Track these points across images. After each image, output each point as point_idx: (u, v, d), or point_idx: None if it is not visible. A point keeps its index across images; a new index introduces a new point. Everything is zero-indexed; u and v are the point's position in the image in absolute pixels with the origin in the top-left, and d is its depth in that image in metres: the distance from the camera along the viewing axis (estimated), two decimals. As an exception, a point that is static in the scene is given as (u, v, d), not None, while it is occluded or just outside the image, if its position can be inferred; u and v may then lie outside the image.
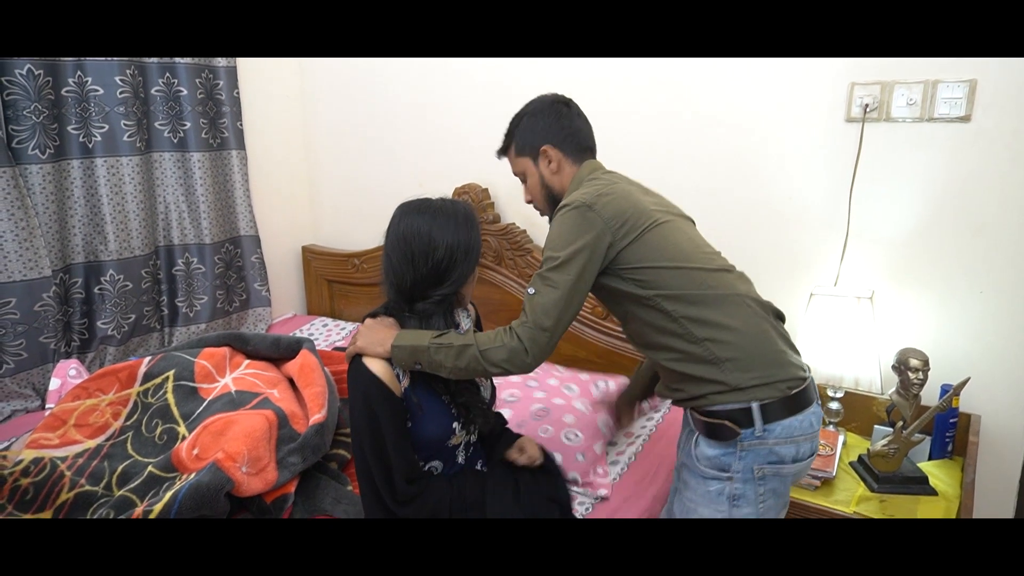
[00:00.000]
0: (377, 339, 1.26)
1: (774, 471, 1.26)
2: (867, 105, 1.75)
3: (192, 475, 1.41)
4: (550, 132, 1.42)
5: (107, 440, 1.60)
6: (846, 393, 1.85)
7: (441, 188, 2.59)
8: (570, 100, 1.48)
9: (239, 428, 1.49)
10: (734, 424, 1.23)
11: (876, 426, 1.81)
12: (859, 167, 1.79)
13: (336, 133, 2.91)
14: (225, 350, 1.81)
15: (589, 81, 2.16)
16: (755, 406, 1.23)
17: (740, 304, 1.28)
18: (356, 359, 1.27)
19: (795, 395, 1.25)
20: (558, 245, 1.26)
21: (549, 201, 1.46)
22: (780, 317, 1.37)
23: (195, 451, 1.47)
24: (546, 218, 1.50)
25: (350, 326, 2.86)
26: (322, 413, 1.62)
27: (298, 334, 2.83)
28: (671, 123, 2.06)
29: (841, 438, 1.81)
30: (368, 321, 1.32)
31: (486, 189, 2.48)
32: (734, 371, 1.23)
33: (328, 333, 2.83)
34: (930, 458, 1.75)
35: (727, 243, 1.98)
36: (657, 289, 1.26)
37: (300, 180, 3.05)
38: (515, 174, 1.50)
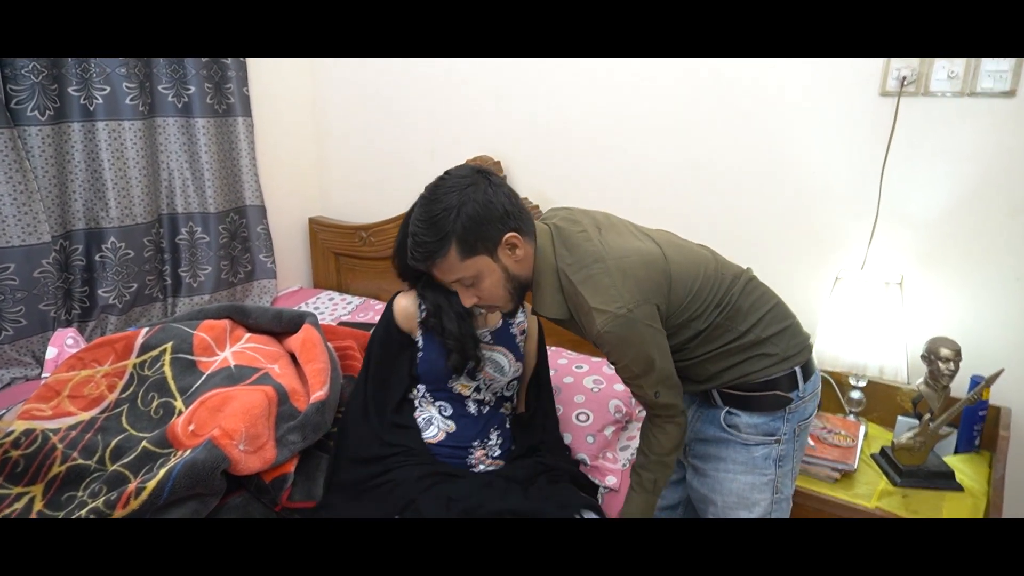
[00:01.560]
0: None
1: (804, 426, 1.33)
2: (904, 78, 1.65)
3: (187, 452, 1.36)
4: (505, 215, 1.17)
5: (101, 413, 1.55)
6: (868, 382, 1.77)
7: (453, 159, 2.52)
8: (484, 167, 1.24)
9: (237, 404, 1.44)
10: (783, 392, 1.27)
11: (900, 417, 1.74)
12: (892, 144, 1.69)
13: (346, 101, 2.82)
14: (225, 323, 1.75)
15: (610, 66, 2.06)
16: (798, 370, 1.27)
17: (751, 282, 1.31)
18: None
19: (811, 357, 1.33)
20: (645, 357, 1.19)
21: (517, 292, 1.26)
22: None
23: (191, 427, 1.42)
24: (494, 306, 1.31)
25: (357, 300, 2.80)
26: (324, 390, 1.56)
27: (304, 307, 2.78)
28: (690, 97, 1.96)
29: (863, 428, 1.74)
30: None
31: (498, 162, 2.39)
32: (780, 342, 1.27)
33: (334, 307, 2.77)
34: (956, 452, 1.68)
35: (748, 222, 1.93)
36: (707, 315, 1.25)
37: (308, 149, 2.97)
38: (452, 283, 1.23)
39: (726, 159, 1.94)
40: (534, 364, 1.72)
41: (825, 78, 1.76)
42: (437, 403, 1.60)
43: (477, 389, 1.59)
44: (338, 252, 2.95)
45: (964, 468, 1.61)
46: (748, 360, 1.26)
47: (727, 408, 1.31)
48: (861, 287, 1.69)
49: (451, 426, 1.59)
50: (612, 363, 1.23)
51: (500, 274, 1.21)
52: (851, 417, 1.79)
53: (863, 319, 1.68)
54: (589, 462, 1.74)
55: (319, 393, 1.55)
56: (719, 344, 1.26)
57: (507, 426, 1.65)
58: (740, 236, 1.90)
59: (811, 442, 1.65)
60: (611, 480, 1.70)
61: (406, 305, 1.59)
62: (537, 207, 2.32)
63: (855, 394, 1.78)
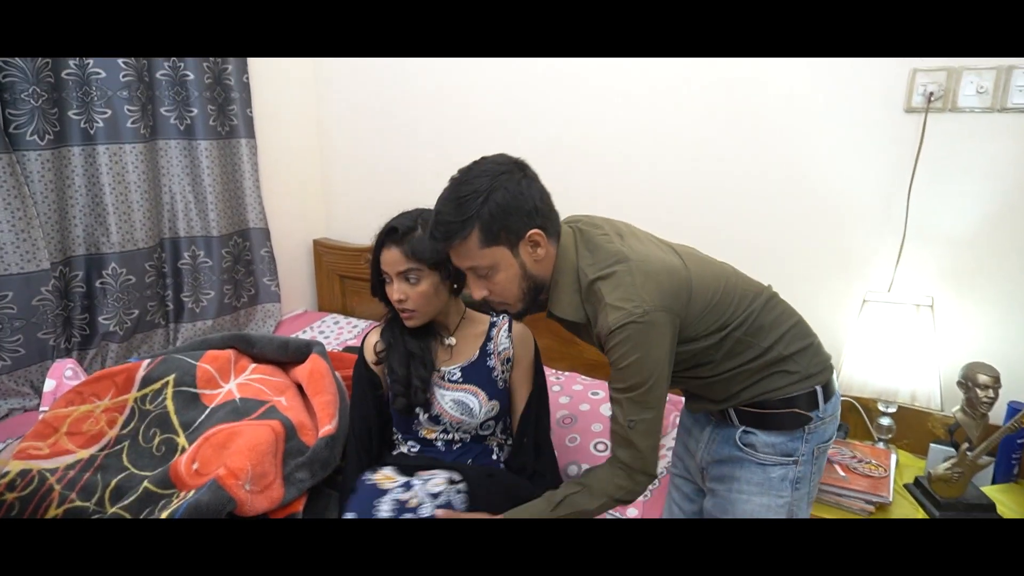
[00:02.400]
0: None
1: (823, 449, 1.28)
2: (931, 94, 1.60)
3: (191, 493, 1.29)
4: (534, 210, 1.14)
5: (101, 450, 1.49)
6: (898, 408, 1.70)
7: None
8: (522, 160, 1.20)
9: (243, 441, 1.37)
10: (802, 410, 1.23)
11: (932, 444, 1.66)
12: (920, 162, 1.64)
13: (351, 121, 2.77)
14: (230, 353, 1.69)
15: (622, 70, 2.01)
16: (819, 388, 1.24)
17: (772, 299, 1.27)
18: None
19: (832, 377, 1.28)
20: (647, 370, 1.12)
21: (531, 295, 1.21)
22: None
23: (195, 465, 1.36)
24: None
25: (362, 324, 2.74)
26: (332, 424, 1.50)
27: (309, 331, 2.72)
28: (711, 114, 1.91)
29: (894, 457, 1.66)
30: None
31: (508, 182, 2.34)
32: (802, 360, 1.23)
33: (339, 331, 2.71)
34: (993, 482, 1.61)
35: (771, 242, 1.86)
36: (723, 327, 1.19)
37: (312, 171, 2.93)
38: (467, 269, 1.19)
39: (748, 177, 1.88)
40: (526, 395, 1.54)
41: (849, 95, 1.71)
42: (408, 443, 1.53)
43: (445, 431, 1.50)
44: (343, 275, 2.89)
45: (1003, 499, 1.54)
46: (769, 377, 1.23)
47: (743, 427, 1.26)
48: (890, 310, 1.63)
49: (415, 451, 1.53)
50: (611, 364, 1.16)
51: (517, 270, 1.17)
52: (880, 445, 1.72)
53: (893, 343, 1.62)
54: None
55: (328, 427, 1.49)
56: (742, 360, 1.22)
57: (493, 457, 1.53)
58: (763, 256, 1.84)
59: (841, 472, 1.58)
60: (632, 512, 1.63)
61: (371, 342, 1.54)
62: (548, 228, 2.27)
63: (885, 420, 1.71)
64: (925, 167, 1.63)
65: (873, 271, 1.74)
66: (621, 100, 2.03)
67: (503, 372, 1.53)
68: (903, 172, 1.66)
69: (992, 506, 1.49)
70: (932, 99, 1.60)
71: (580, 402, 1.93)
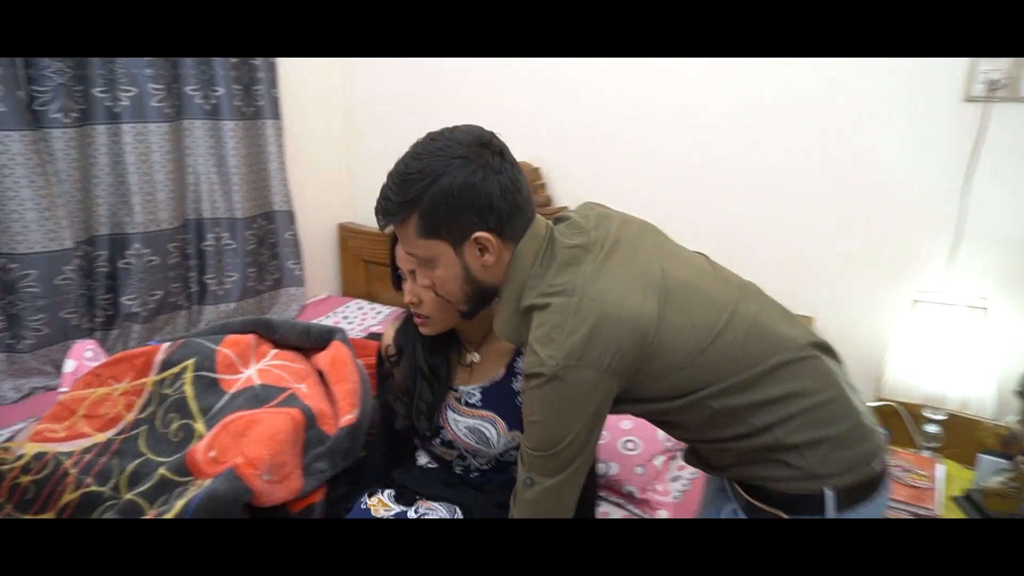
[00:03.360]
0: None
1: None
2: (994, 82, 1.50)
3: (207, 481, 1.25)
4: (487, 209, 0.96)
5: (118, 434, 1.46)
6: (948, 415, 1.61)
7: (489, 166, 2.42)
8: (502, 144, 1.01)
9: (261, 429, 1.33)
10: (802, 515, 0.98)
11: (981, 455, 1.57)
12: (979, 155, 1.54)
13: (378, 103, 2.72)
14: (250, 337, 1.65)
15: (662, 62, 1.92)
16: (829, 493, 0.96)
17: (797, 367, 0.98)
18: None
19: (876, 474, 1.00)
20: (554, 434, 0.94)
21: (475, 298, 1.06)
22: (835, 355, 1.07)
23: (212, 453, 1.32)
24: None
25: (386, 310, 2.70)
26: (354, 413, 1.45)
27: (333, 316, 2.68)
28: (751, 103, 1.82)
29: (940, 467, 1.58)
30: None
31: (537, 169, 2.27)
32: (810, 455, 0.96)
33: (363, 317, 2.67)
34: (1049, 496, 1.51)
35: (813, 238, 1.75)
36: (695, 391, 0.96)
37: (338, 153, 2.88)
38: (408, 254, 1.05)
39: (789, 170, 1.79)
40: None
41: (901, 82, 1.61)
42: (426, 457, 1.40)
43: (461, 457, 1.33)
44: (368, 260, 2.85)
45: (1061, 515, 1.45)
46: (762, 464, 0.99)
47: (735, 506, 1.08)
48: (943, 312, 1.54)
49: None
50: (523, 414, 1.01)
51: (459, 271, 1.01)
52: (925, 453, 1.63)
53: (944, 346, 1.53)
54: (638, 495, 1.60)
55: (349, 416, 1.44)
56: (725, 435, 0.99)
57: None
58: (804, 253, 1.75)
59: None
60: (662, 514, 1.57)
61: (386, 339, 1.39)
62: (578, 217, 2.20)
63: (931, 428, 1.62)
64: (985, 161, 1.53)
65: (924, 271, 1.66)
66: (653, 89, 1.95)
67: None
68: (960, 166, 1.57)
69: (1048, 523, 1.41)
70: (994, 87, 1.50)
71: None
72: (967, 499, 1.50)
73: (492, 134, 1.02)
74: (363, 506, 1.32)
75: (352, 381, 1.53)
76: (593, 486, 1.43)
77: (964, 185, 1.56)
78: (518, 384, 1.28)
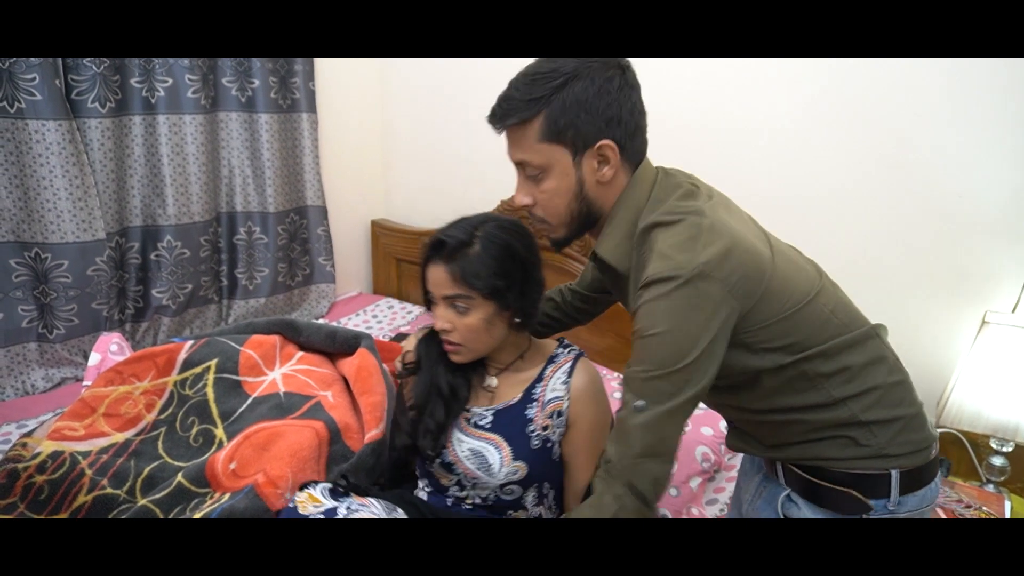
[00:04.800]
0: None
1: None
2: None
3: (226, 496, 1.20)
4: (617, 119, 0.95)
5: (137, 435, 1.42)
6: (1016, 447, 1.48)
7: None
8: (627, 64, 0.99)
9: (284, 444, 1.27)
10: (862, 495, 0.97)
11: (1054, 492, 1.44)
12: (1063, 165, 1.41)
13: (415, 99, 2.65)
14: (275, 339, 1.60)
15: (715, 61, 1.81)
16: (895, 474, 0.97)
17: (874, 342, 1.00)
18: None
19: (934, 460, 1.02)
20: (672, 342, 0.87)
21: (579, 220, 1.02)
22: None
23: (232, 465, 1.26)
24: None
25: (417, 310, 2.64)
26: (379, 428, 1.38)
27: (362, 315, 2.64)
28: (804, 101, 1.70)
29: (1008, 504, 1.45)
30: None
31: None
32: (881, 433, 0.97)
33: (393, 316, 2.62)
34: None
35: (873, 249, 1.62)
36: (786, 347, 0.95)
37: (373, 149, 2.83)
38: (517, 163, 1.01)
39: (847, 174, 1.67)
40: (589, 476, 1.05)
41: (974, 84, 1.48)
42: (423, 480, 1.29)
43: (459, 485, 1.20)
44: (400, 258, 2.79)
45: None
46: (828, 441, 0.98)
47: (788, 490, 1.04)
48: (1014, 334, 1.41)
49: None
50: (634, 331, 0.92)
51: (572, 184, 0.98)
52: (990, 487, 1.50)
53: (1017, 371, 1.40)
54: (671, 517, 1.51)
55: (374, 432, 1.37)
56: (800, 403, 0.97)
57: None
58: (862, 267, 1.63)
59: (942, 515, 1.39)
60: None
61: (408, 346, 1.32)
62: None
63: (997, 460, 1.49)
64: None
65: (995, 289, 1.52)
66: (700, 88, 1.84)
67: (544, 429, 1.18)
68: (1041, 174, 1.44)
69: None
70: (1085, 92, 1.37)
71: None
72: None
73: (616, 58, 0.99)
74: (290, 504, 1.09)
75: (378, 393, 1.47)
76: None
77: (1044, 197, 1.43)
78: (531, 411, 1.20)
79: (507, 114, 0.97)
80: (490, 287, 1.10)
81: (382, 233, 2.82)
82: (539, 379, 1.22)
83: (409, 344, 1.33)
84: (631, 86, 0.97)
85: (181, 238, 2.25)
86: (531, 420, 1.19)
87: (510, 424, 1.19)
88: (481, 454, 1.17)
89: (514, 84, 0.98)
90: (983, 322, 1.46)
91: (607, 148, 0.96)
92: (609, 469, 0.91)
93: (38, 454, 1.29)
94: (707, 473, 1.63)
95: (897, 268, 1.61)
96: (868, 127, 1.62)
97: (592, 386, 1.20)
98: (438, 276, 1.12)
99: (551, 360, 1.24)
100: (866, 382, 0.97)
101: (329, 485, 1.11)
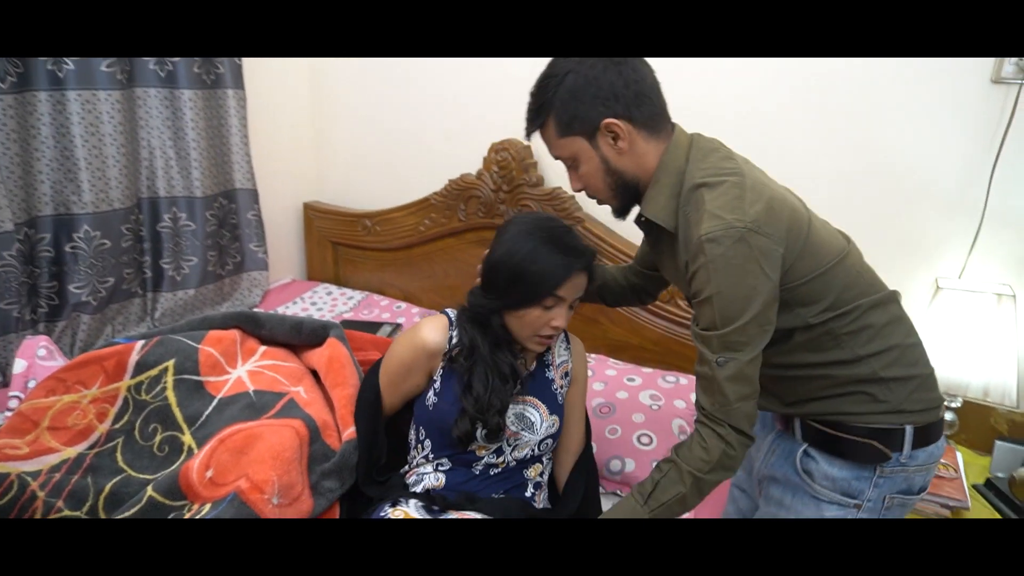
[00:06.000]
0: None
1: (902, 502, 1.09)
2: (1025, 63, 1.46)
3: (207, 507, 1.10)
4: (611, 96, 1.02)
5: (90, 448, 1.28)
6: (964, 402, 1.59)
7: (475, 143, 2.26)
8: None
9: (264, 446, 1.18)
10: (883, 446, 1.04)
11: (998, 442, 1.56)
12: (1007, 138, 1.50)
13: (350, 73, 2.51)
14: (234, 333, 1.48)
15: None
16: (909, 429, 1.04)
17: (894, 305, 1.09)
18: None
19: (942, 419, 1.10)
20: (732, 300, 0.95)
21: (620, 191, 1.10)
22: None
23: (209, 473, 1.16)
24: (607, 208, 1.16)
25: (359, 295, 2.54)
26: (360, 422, 1.31)
27: (300, 302, 2.51)
28: (769, 85, 1.74)
29: (959, 455, 1.56)
30: None
31: (528, 147, 2.14)
32: (898, 390, 1.04)
33: (333, 302, 2.51)
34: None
35: (837, 223, 1.68)
36: (818, 301, 1.02)
37: (305, 127, 2.67)
38: (557, 159, 1.13)
39: (809, 153, 1.72)
40: (580, 421, 1.39)
41: (925, 64, 1.56)
42: (436, 460, 1.29)
43: (498, 452, 1.28)
44: (337, 241, 2.67)
45: (1077, 501, 1.45)
46: (850, 396, 1.05)
47: (806, 445, 1.10)
48: (965, 298, 1.51)
49: (440, 481, 1.28)
50: (693, 295, 1.00)
51: (598, 163, 1.07)
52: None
53: (967, 334, 1.50)
54: (658, 493, 1.53)
55: (353, 428, 1.30)
56: (822, 359, 1.04)
57: (525, 493, 1.30)
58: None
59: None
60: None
61: (440, 328, 1.29)
62: (572, 198, 2.09)
63: (948, 415, 1.60)
64: (1013, 144, 1.50)
65: (944, 256, 1.62)
66: (666, 73, 1.84)
67: (562, 387, 1.36)
68: (986, 149, 1.53)
69: (1074, 511, 1.41)
70: (1024, 69, 1.46)
71: (616, 389, 1.78)
72: (988, 486, 1.49)
73: None
74: (384, 516, 1.20)
75: (352, 385, 1.40)
76: (595, 475, 1.44)
77: (990, 169, 1.52)
78: (550, 373, 1.35)
79: (529, 124, 1.10)
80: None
81: (316, 216, 2.68)
82: (547, 349, 1.36)
83: (434, 333, 1.28)
84: (618, 62, 1.03)
85: (100, 227, 2.05)
86: (552, 381, 1.34)
87: (538, 387, 1.32)
88: (524, 415, 1.29)
89: (530, 95, 1.09)
90: (936, 288, 1.56)
91: (612, 125, 1.03)
92: (709, 416, 1.00)
93: (-23, 479, 1.14)
94: (684, 445, 1.66)
95: (859, 239, 1.68)
96: (834, 115, 1.69)
97: (582, 347, 1.43)
98: (581, 283, 1.20)
99: None
100: (887, 341, 1.04)
101: (421, 503, 1.21)
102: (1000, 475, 1.52)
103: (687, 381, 1.83)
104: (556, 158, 1.12)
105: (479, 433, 1.23)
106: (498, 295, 1.20)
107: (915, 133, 1.60)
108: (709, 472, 1.00)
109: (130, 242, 2.15)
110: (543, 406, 1.30)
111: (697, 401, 1.03)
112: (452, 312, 1.31)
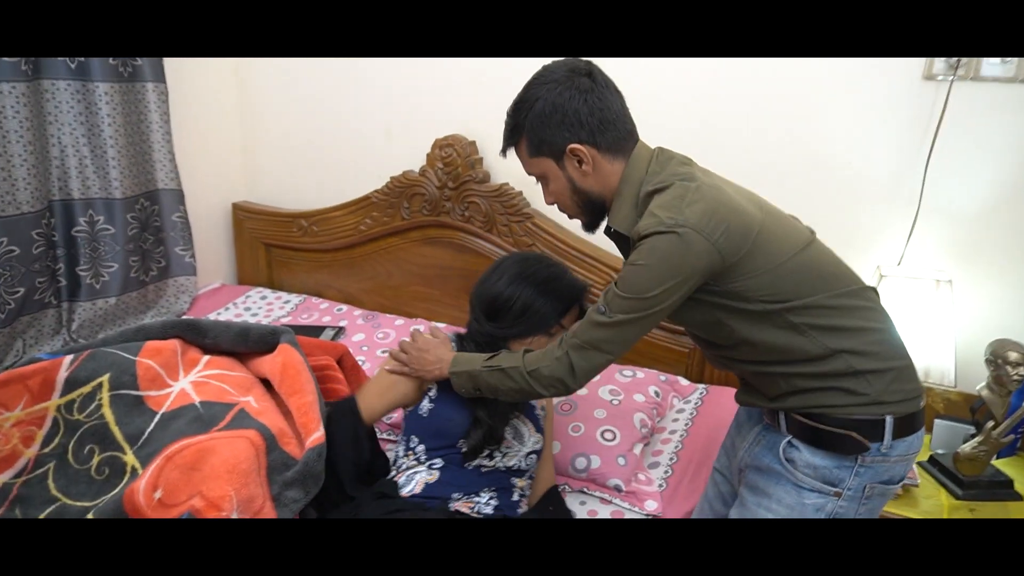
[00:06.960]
0: (432, 361, 1.32)
1: (882, 491, 1.12)
2: (954, 61, 1.53)
3: (161, 532, 1.01)
4: (576, 124, 1.10)
5: (16, 476, 1.15)
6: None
7: (417, 138, 2.20)
8: (591, 67, 1.13)
9: (218, 460, 1.10)
10: (863, 437, 1.06)
11: (937, 420, 1.65)
12: (939, 133, 1.58)
13: (280, 67, 2.39)
14: (175, 343, 1.37)
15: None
16: (889, 420, 1.07)
17: (865, 299, 1.12)
18: None
19: (923, 409, 1.13)
20: (648, 280, 1.03)
21: (587, 207, 1.19)
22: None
23: (157, 494, 1.07)
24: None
25: (296, 299, 2.43)
26: (321, 431, 1.24)
27: (232, 308, 2.38)
28: (712, 83, 1.77)
29: (903, 435, 1.63)
30: (419, 337, 1.37)
31: (473, 142, 2.11)
32: (876, 382, 1.07)
33: (269, 307, 2.39)
34: (998, 456, 1.61)
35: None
36: (778, 301, 1.05)
37: (231, 122, 2.53)
38: (530, 175, 1.21)
39: (753, 148, 1.76)
40: (552, 463, 1.53)
41: (861, 63, 1.62)
42: (429, 461, 1.35)
43: (489, 456, 1.35)
44: (269, 243, 2.54)
45: (1012, 474, 1.54)
46: (828, 391, 1.08)
47: (790, 437, 1.13)
48: (906, 285, 1.58)
49: (433, 476, 1.32)
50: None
51: (565, 183, 1.16)
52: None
53: (905, 318, 1.57)
54: (624, 487, 1.53)
55: (317, 435, 1.23)
56: (794, 355, 1.07)
57: (512, 497, 1.36)
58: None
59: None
60: (651, 505, 1.51)
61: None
62: (520, 193, 2.07)
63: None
64: (945, 138, 1.57)
65: (884, 244, 1.69)
66: (607, 64, 1.85)
67: (541, 410, 1.48)
68: (919, 143, 1.61)
69: (1010, 482, 1.50)
70: (953, 67, 1.54)
71: (573, 386, 1.77)
72: (932, 463, 1.57)
73: (585, 61, 1.14)
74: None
75: (310, 392, 1.32)
76: (562, 507, 1.47)
77: (925, 161, 1.60)
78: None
79: (505, 143, 1.19)
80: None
81: (246, 217, 2.55)
82: None
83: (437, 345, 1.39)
84: (584, 90, 1.09)
85: (7, 233, 1.87)
86: (535, 406, 1.46)
87: (527, 408, 1.44)
88: (517, 428, 1.40)
89: (507, 114, 1.16)
90: (880, 276, 1.62)
91: (576, 151, 1.11)
92: (567, 338, 1.12)
93: None
94: (645, 438, 1.66)
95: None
96: (778, 115, 1.73)
97: None
98: (576, 313, 1.41)
99: None
100: (858, 335, 1.07)
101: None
102: (941, 451, 1.59)
103: (643, 375, 1.84)
104: (529, 174, 1.20)
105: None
106: (508, 324, 1.36)
107: (853, 129, 1.67)
108: (534, 377, 1.13)
109: (42, 248, 1.98)
110: (531, 424, 1.42)
111: (572, 328, 1.14)
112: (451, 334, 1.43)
